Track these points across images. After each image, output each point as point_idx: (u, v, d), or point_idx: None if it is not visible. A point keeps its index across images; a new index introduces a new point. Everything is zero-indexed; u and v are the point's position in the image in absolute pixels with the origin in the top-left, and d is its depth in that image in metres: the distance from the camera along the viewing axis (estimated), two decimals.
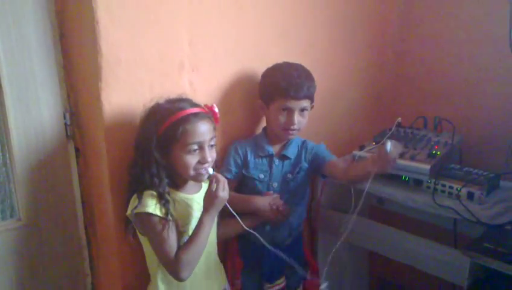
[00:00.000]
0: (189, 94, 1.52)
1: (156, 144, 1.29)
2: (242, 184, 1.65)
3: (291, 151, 1.68)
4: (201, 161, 1.31)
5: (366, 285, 2.35)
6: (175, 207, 1.32)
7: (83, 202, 1.53)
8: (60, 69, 1.42)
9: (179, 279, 1.28)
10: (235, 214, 1.40)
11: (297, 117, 1.59)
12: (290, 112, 1.59)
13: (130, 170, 1.36)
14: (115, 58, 1.35)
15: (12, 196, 1.43)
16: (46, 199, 1.45)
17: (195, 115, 1.31)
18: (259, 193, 1.63)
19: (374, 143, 1.80)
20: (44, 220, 1.46)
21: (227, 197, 1.31)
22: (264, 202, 1.59)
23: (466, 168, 1.72)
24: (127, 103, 1.40)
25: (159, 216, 1.27)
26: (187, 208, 1.36)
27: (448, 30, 2.08)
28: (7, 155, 1.40)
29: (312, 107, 1.67)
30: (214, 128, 1.36)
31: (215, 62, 1.60)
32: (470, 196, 1.58)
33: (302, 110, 1.60)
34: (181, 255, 1.26)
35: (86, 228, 1.55)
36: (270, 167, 1.65)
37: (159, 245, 1.29)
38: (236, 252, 1.67)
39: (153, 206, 1.27)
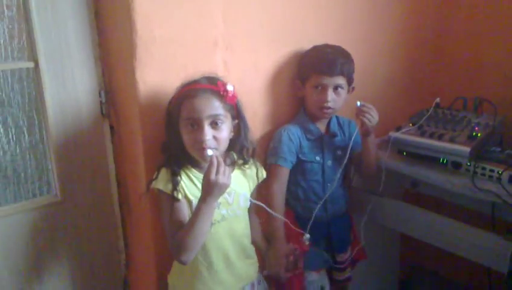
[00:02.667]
0: (223, 73, 1.51)
1: (167, 121, 1.30)
2: (297, 168, 1.63)
3: (336, 128, 1.70)
4: (197, 139, 1.25)
5: (396, 268, 2.32)
6: (188, 185, 1.30)
7: (117, 180, 1.55)
8: (95, 47, 1.42)
9: (179, 261, 1.26)
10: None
11: (331, 94, 1.57)
12: (323, 88, 1.58)
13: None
14: (149, 36, 1.33)
15: (49, 172, 1.46)
16: (81, 176, 1.47)
17: (196, 90, 1.26)
18: (315, 174, 1.64)
19: (410, 124, 1.75)
20: (80, 197, 1.48)
21: (227, 183, 1.19)
22: (283, 251, 1.55)
23: (508, 151, 1.65)
24: (161, 82, 1.39)
25: (167, 193, 1.26)
26: (199, 186, 1.30)
27: (490, 5, 2.00)
28: (44, 132, 1.42)
29: (352, 89, 1.66)
30: (224, 107, 1.28)
31: (249, 40, 1.56)
32: None
33: (336, 87, 1.58)
34: (178, 238, 1.23)
35: (120, 205, 1.57)
36: (322, 146, 1.65)
37: (164, 222, 1.29)
38: (298, 234, 1.58)
39: (164, 183, 1.27)
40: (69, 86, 1.39)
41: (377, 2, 1.92)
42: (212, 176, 1.16)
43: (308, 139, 1.64)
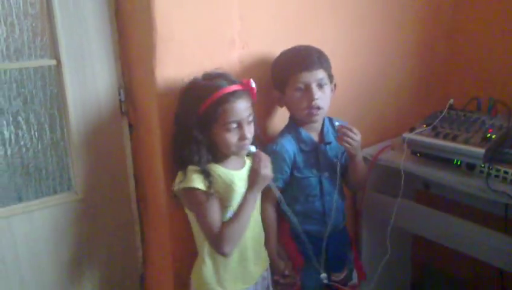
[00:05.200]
0: (239, 72, 1.52)
1: (196, 123, 1.31)
2: (293, 183, 1.55)
3: (330, 135, 1.60)
4: (241, 138, 1.33)
5: (408, 269, 2.33)
6: (220, 181, 1.34)
7: (135, 178, 1.56)
8: (115, 45, 1.45)
9: (222, 253, 1.31)
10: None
11: (316, 91, 1.47)
12: (306, 87, 1.48)
13: (173, 145, 1.38)
14: (168, 35, 1.35)
15: (69, 169, 1.48)
16: (100, 173, 1.49)
17: (233, 94, 1.31)
18: (313, 188, 1.57)
19: (424, 126, 1.75)
20: (99, 194, 1.50)
21: (271, 174, 1.37)
22: (281, 267, 1.55)
23: None
24: (180, 80, 1.40)
25: (203, 190, 1.29)
26: (229, 182, 1.35)
27: (503, 7, 1.99)
28: (65, 130, 1.44)
29: (334, 86, 1.57)
30: (252, 104, 1.36)
31: (266, 39, 1.58)
32: None
33: (320, 84, 1.49)
34: (224, 229, 1.30)
35: (137, 202, 1.59)
36: (318, 157, 1.56)
37: (203, 219, 1.32)
38: (294, 249, 1.59)
39: (197, 181, 1.29)
40: (89, 84, 1.41)
41: (391, 4, 1.93)
42: (262, 169, 1.34)
43: (302, 151, 1.54)
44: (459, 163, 1.68)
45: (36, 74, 1.39)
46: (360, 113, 1.90)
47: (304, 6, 1.66)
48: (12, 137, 1.39)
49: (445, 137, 1.67)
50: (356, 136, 1.50)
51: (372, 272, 1.98)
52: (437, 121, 1.77)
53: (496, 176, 1.59)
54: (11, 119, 1.38)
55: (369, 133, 1.96)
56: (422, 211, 1.79)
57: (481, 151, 1.58)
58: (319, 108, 1.49)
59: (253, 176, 1.35)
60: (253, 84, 1.36)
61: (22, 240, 1.41)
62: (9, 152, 1.40)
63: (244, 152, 1.37)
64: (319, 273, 1.59)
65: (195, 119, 1.31)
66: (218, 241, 1.30)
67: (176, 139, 1.37)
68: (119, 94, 1.48)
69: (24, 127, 1.40)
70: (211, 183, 1.30)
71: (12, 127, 1.39)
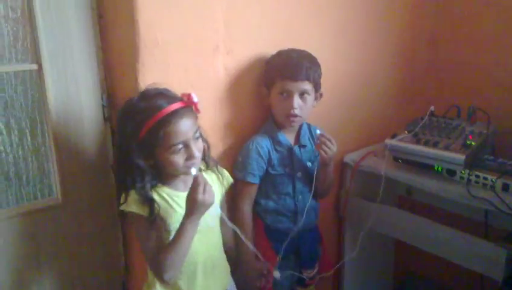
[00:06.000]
0: (223, 78, 1.53)
1: (136, 150, 1.23)
2: (267, 180, 1.59)
3: (306, 139, 1.65)
4: (189, 158, 1.24)
5: (390, 274, 2.35)
6: (160, 204, 1.27)
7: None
8: (98, 50, 1.43)
9: (161, 280, 1.25)
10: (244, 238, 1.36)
11: (296, 101, 1.51)
12: (288, 95, 1.52)
13: (116, 169, 1.33)
14: (152, 40, 1.35)
15: (50, 175, 1.46)
16: (82, 179, 1.47)
17: (174, 113, 1.22)
18: (286, 186, 1.60)
19: (406, 132, 1.78)
20: (81, 200, 1.48)
21: (212, 201, 1.21)
22: (258, 267, 1.55)
23: (500, 160, 1.69)
24: (163, 85, 1.39)
25: (142, 215, 1.24)
26: (173, 205, 1.30)
27: (484, 17, 2.04)
28: (46, 135, 1.42)
29: (320, 96, 1.61)
30: (196, 119, 1.28)
31: (250, 45, 1.59)
32: (505, 187, 1.56)
33: (303, 93, 1.52)
34: (161, 257, 1.22)
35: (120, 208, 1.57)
36: (292, 158, 1.60)
37: (142, 244, 1.27)
38: (267, 246, 1.60)
39: (137, 205, 1.24)
40: (71, 89, 1.40)
41: (375, 10, 1.96)
42: (199, 195, 1.18)
43: (277, 151, 1.58)
44: (439, 169, 1.70)
45: (17, 78, 1.37)
46: (343, 119, 1.92)
47: (288, 14, 1.67)
48: None
49: (426, 143, 1.70)
50: (333, 147, 1.55)
51: (355, 275, 2.00)
52: (418, 127, 1.80)
53: (476, 182, 1.62)
54: None
55: (352, 139, 1.98)
56: (403, 216, 1.82)
57: (461, 157, 1.61)
58: (296, 116, 1.54)
59: (191, 203, 1.19)
60: (195, 99, 1.27)
61: (1, 246, 1.38)
62: None
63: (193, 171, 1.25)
64: (291, 270, 1.62)
65: (136, 146, 1.22)
66: (156, 268, 1.24)
67: (117, 164, 1.31)
68: (102, 99, 1.46)
69: (4, 132, 1.38)
70: (152, 209, 1.24)
71: None
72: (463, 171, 1.64)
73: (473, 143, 1.68)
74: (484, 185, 1.60)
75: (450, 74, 2.17)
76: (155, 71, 1.37)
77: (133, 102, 1.25)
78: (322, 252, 1.77)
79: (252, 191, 1.57)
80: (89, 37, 1.41)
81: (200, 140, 1.29)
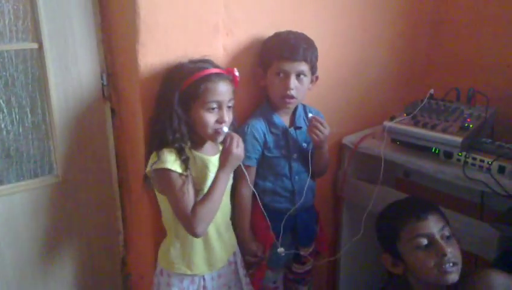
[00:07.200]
0: (223, 59, 1.53)
1: (178, 99, 1.32)
2: (264, 162, 1.61)
3: (301, 120, 1.66)
4: (219, 120, 1.34)
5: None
6: (197, 164, 1.36)
7: (117, 162, 1.57)
8: (98, 30, 1.44)
9: (194, 234, 1.31)
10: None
11: (293, 82, 1.52)
12: (285, 75, 1.52)
13: (151, 127, 1.38)
14: (152, 20, 1.35)
15: (50, 153, 1.48)
16: (82, 157, 1.50)
17: (217, 75, 1.34)
18: (282, 168, 1.62)
19: (405, 114, 1.78)
20: (80, 177, 1.51)
21: (242, 154, 1.36)
22: (253, 249, 1.59)
23: (498, 143, 1.70)
24: (163, 65, 1.41)
25: (177, 172, 1.30)
26: (203, 168, 1.38)
27: None
28: (47, 113, 1.44)
29: (315, 78, 1.61)
30: (233, 91, 1.38)
31: (250, 26, 1.59)
32: (501, 169, 1.57)
33: (299, 74, 1.53)
34: (196, 210, 1.29)
35: (119, 186, 1.60)
36: (287, 140, 1.61)
37: (176, 200, 1.31)
38: (265, 226, 1.61)
39: (172, 162, 1.29)
40: (72, 68, 1.41)
41: None
42: (234, 149, 1.33)
43: (272, 133, 1.59)
44: (437, 151, 1.71)
45: (17, 57, 1.38)
46: (341, 101, 1.93)
47: None
48: None
49: (424, 126, 1.71)
50: (325, 130, 1.55)
51: (352, 256, 2.03)
52: (417, 110, 1.81)
53: (473, 165, 1.63)
54: None
55: (351, 121, 1.99)
56: (400, 197, 1.82)
57: (459, 140, 1.62)
58: (292, 97, 1.54)
59: (226, 155, 1.34)
60: (237, 73, 1.39)
61: (2, 223, 1.42)
62: None
63: (220, 138, 1.37)
64: (289, 248, 1.65)
65: (178, 96, 1.32)
66: (191, 223, 1.29)
67: (156, 120, 1.36)
68: (102, 79, 1.48)
69: (5, 110, 1.40)
70: (186, 164, 1.31)
71: None
72: (460, 154, 1.65)
73: (471, 126, 1.68)
74: (480, 167, 1.61)
75: (451, 57, 2.16)
76: (154, 51, 1.38)
77: (181, 63, 1.39)
78: (319, 230, 1.79)
79: (251, 174, 1.57)
80: (89, 16, 1.41)
81: (231, 111, 1.39)
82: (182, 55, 1.42)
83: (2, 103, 1.39)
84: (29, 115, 1.43)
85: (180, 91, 1.32)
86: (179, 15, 1.40)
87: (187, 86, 1.32)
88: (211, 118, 1.33)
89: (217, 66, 1.38)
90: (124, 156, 1.57)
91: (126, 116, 1.51)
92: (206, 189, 1.35)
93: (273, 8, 1.63)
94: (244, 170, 1.47)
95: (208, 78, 1.32)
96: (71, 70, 1.41)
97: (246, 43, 1.59)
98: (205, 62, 1.38)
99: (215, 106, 1.33)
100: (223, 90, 1.34)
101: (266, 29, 1.60)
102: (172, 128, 1.32)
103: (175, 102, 1.32)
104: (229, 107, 1.36)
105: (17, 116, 1.42)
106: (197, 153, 1.38)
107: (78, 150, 1.49)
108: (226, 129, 1.35)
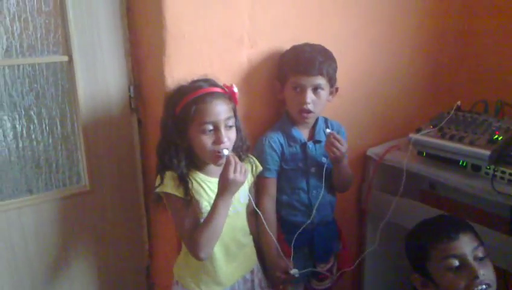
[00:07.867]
0: (247, 71, 1.54)
1: (172, 124, 1.29)
2: (281, 175, 1.59)
3: (321, 134, 1.62)
4: (216, 142, 1.28)
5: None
6: (193, 187, 1.32)
7: (143, 172, 1.59)
8: (126, 42, 1.47)
9: (197, 258, 1.28)
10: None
11: (310, 96, 1.50)
12: (301, 89, 1.50)
13: (156, 149, 1.37)
14: (179, 33, 1.38)
15: (79, 163, 1.51)
16: (109, 167, 1.53)
17: (210, 94, 1.29)
18: (300, 181, 1.60)
19: (431, 126, 1.76)
20: (107, 187, 1.54)
21: (242, 179, 1.24)
22: (283, 265, 1.52)
23: None
24: (188, 77, 1.41)
25: (178, 196, 1.28)
26: (206, 189, 1.35)
27: None
28: (75, 124, 1.47)
29: (335, 90, 1.59)
30: (233, 109, 1.33)
31: (274, 38, 1.59)
32: None
33: (316, 88, 1.51)
34: (196, 236, 1.26)
35: (145, 196, 1.62)
36: (305, 153, 1.58)
37: (177, 224, 1.31)
38: (282, 239, 1.59)
39: (172, 186, 1.28)
40: (100, 80, 1.44)
41: (401, 4, 1.93)
42: (231, 174, 1.22)
43: (291, 146, 1.57)
44: (464, 164, 1.68)
45: (48, 69, 1.42)
46: (366, 113, 1.92)
47: (313, 6, 1.67)
48: (24, 131, 1.43)
49: (451, 138, 1.68)
50: (342, 147, 1.50)
51: (376, 269, 2.00)
52: (444, 122, 1.78)
53: (502, 178, 1.60)
54: (23, 113, 1.42)
55: (376, 133, 1.97)
56: (426, 211, 1.79)
57: (487, 152, 1.59)
58: (309, 111, 1.52)
59: (222, 182, 1.24)
60: (235, 89, 1.35)
61: (31, 231, 1.45)
62: (20, 145, 1.43)
63: (221, 161, 1.28)
64: (306, 264, 1.61)
65: (172, 122, 1.29)
66: (192, 247, 1.28)
67: (159, 144, 1.35)
68: (129, 90, 1.50)
69: (36, 121, 1.43)
70: (187, 189, 1.29)
71: (24, 121, 1.42)
72: (488, 167, 1.62)
73: (500, 138, 1.65)
74: (510, 180, 1.58)
75: (478, 68, 2.12)
76: (181, 64, 1.40)
77: (180, 84, 1.35)
78: (342, 247, 1.75)
79: (272, 187, 1.56)
80: (118, 29, 1.45)
81: (233, 129, 1.32)
82: (207, 67, 1.44)
83: (33, 114, 1.43)
84: (59, 126, 1.47)
85: (174, 116, 1.30)
86: (204, 27, 1.42)
87: (180, 109, 1.29)
88: (207, 140, 1.28)
89: (214, 85, 1.33)
90: (149, 166, 1.58)
91: (152, 127, 1.53)
92: (209, 209, 1.30)
93: (297, 20, 1.63)
94: (252, 200, 1.43)
95: (200, 99, 1.27)
96: (99, 82, 1.44)
97: (271, 54, 1.60)
98: (203, 81, 1.33)
99: (210, 127, 1.27)
100: (217, 110, 1.27)
101: (291, 41, 1.60)
102: (170, 154, 1.30)
103: (171, 129, 1.30)
104: (229, 126, 1.31)
105: (47, 128, 1.45)
106: (199, 174, 1.35)
107: (106, 160, 1.51)
108: (226, 152, 1.27)
